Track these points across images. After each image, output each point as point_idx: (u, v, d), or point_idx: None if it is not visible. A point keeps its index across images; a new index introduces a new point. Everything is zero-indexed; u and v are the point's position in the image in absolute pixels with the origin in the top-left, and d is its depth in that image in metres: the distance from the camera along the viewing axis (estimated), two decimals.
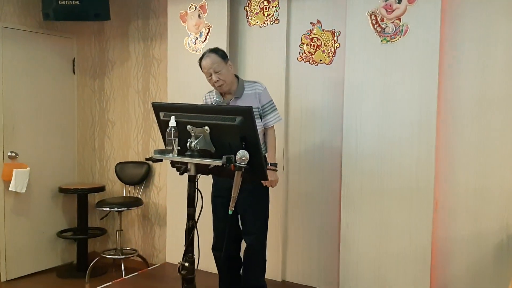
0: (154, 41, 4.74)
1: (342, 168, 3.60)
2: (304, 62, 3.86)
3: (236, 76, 3.31)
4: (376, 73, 3.44)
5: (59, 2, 4.14)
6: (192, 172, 2.41)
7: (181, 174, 2.43)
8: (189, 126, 2.44)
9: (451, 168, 3.30)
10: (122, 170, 4.84)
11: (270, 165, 3.29)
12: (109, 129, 5.09)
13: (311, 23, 3.82)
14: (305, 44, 3.85)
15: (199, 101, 3.36)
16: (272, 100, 3.34)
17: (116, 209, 4.49)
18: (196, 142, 2.37)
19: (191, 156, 2.37)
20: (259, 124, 3.26)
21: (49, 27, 4.70)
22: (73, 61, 4.98)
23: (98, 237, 4.99)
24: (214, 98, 3.14)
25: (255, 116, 3.22)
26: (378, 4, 3.41)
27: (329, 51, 3.77)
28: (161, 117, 2.57)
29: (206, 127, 2.38)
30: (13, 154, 4.41)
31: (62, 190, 4.70)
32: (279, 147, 3.81)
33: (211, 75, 3.12)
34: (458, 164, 3.28)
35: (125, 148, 4.99)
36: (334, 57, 3.75)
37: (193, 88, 4.12)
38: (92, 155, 5.20)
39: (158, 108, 2.59)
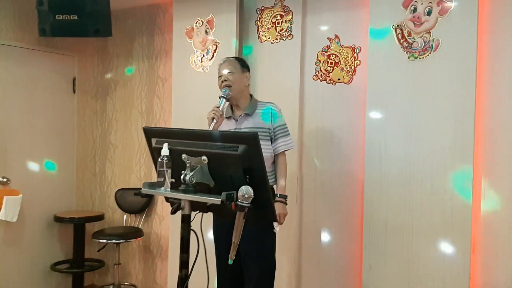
0: (159, 59, 4.42)
1: (364, 200, 3.17)
2: (321, 81, 3.48)
3: (251, 95, 3.06)
4: (402, 93, 3.04)
5: (56, 17, 3.84)
6: (186, 211, 2.02)
7: (172, 213, 2.03)
8: (184, 155, 2.06)
9: (492, 203, 2.85)
10: (123, 197, 4.48)
11: (279, 196, 2.91)
12: (110, 152, 4.75)
13: (328, 38, 3.45)
14: (322, 62, 3.48)
15: (206, 125, 2.98)
16: (286, 124, 3.05)
17: (114, 241, 4.10)
18: (192, 175, 1.99)
19: (185, 191, 1.98)
20: (268, 148, 2.90)
21: (49, 44, 4.42)
22: (74, 80, 4.67)
23: (96, 270, 4.60)
24: (221, 106, 2.86)
25: (265, 138, 2.91)
26: (405, 17, 3.03)
27: (348, 69, 3.39)
28: (153, 144, 2.20)
29: (204, 157, 2.00)
30: (5, 180, 4.08)
31: (58, 219, 4.34)
32: (292, 175, 3.42)
33: (221, 75, 2.92)
34: (500, 199, 2.83)
35: (126, 173, 4.63)
36: (354, 76, 3.37)
37: (199, 109, 3.74)
38: (93, 180, 4.85)
39: (150, 133, 2.22)
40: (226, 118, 3.00)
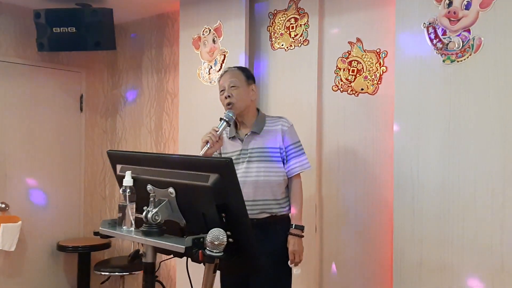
0: (168, 73, 4.06)
1: (394, 233, 2.64)
2: (341, 92, 3.00)
3: (258, 110, 2.65)
4: (437, 104, 2.52)
5: (54, 30, 3.56)
6: (149, 258, 1.59)
7: (130, 261, 1.60)
8: (149, 187, 1.64)
9: None
10: None
11: (294, 227, 2.46)
12: None
13: (349, 42, 2.97)
14: (342, 70, 3.00)
15: None
16: (299, 142, 2.60)
17: (117, 273, 3.73)
18: (155, 212, 1.56)
19: (147, 233, 1.56)
20: (281, 170, 2.45)
21: (53, 60, 4.15)
22: (81, 97, 4.38)
23: None
24: (226, 134, 2.56)
25: (277, 160, 2.47)
26: (438, 12, 2.52)
27: (373, 77, 2.89)
28: (117, 172, 1.80)
29: (171, 189, 1.57)
30: (3, 206, 3.80)
31: (61, 248, 4.01)
32: (310, 201, 2.95)
33: (224, 90, 2.49)
34: None
35: None
36: (379, 85, 2.87)
37: (207, 126, 3.32)
38: (102, 204, 4.52)
39: (115, 158, 1.82)
40: (230, 138, 2.59)
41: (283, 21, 3.24)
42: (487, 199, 2.35)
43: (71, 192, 4.32)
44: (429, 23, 2.56)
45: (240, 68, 2.66)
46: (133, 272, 3.79)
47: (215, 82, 3.43)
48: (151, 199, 1.58)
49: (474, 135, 2.40)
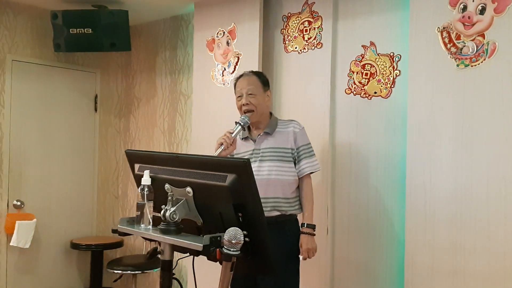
0: (181, 74, 4.10)
1: (406, 237, 2.65)
2: (354, 95, 3.02)
3: (270, 113, 2.69)
4: (451, 108, 2.53)
5: (71, 31, 3.62)
6: (166, 256, 1.62)
7: (148, 258, 1.64)
8: (167, 186, 1.68)
9: None
10: None
11: (306, 226, 2.51)
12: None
13: (362, 46, 2.99)
14: (356, 73, 3.02)
15: None
16: (310, 144, 2.66)
17: (129, 271, 3.77)
18: (173, 211, 1.59)
19: (164, 231, 1.59)
20: (292, 171, 2.50)
21: (69, 60, 4.21)
22: (96, 97, 4.44)
23: None
24: (239, 136, 2.59)
25: (288, 160, 2.52)
26: (452, 17, 2.53)
27: (386, 80, 2.91)
28: (136, 170, 1.83)
29: (188, 188, 1.61)
30: (18, 203, 3.86)
31: (74, 246, 4.07)
32: (322, 203, 2.99)
33: (241, 96, 2.54)
34: None
35: None
36: (393, 88, 2.88)
37: (220, 128, 3.35)
38: (115, 204, 4.57)
39: (133, 157, 1.86)
40: (243, 139, 2.64)
41: (296, 24, 3.27)
42: (500, 204, 2.36)
43: (85, 191, 4.38)
44: (443, 28, 2.57)
45: (256, 73, 2.69)
46: (146, 271, 3.83)
47: (228, 84, 3.46)
48: (169, 198, 1.61)
49: (487, 140, 2.41)
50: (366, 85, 2.98)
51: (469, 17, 2.48)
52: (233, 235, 1.42)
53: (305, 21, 3.22)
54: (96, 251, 4.09)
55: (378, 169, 2.91)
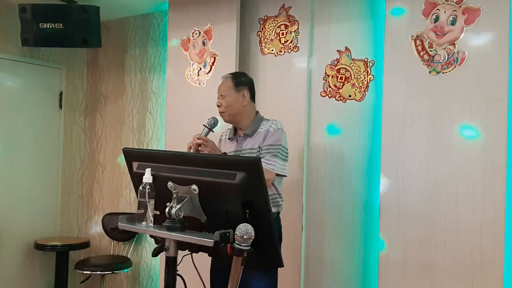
0: (152, 73, 4.08)
1: (380, 234, 2.79)
2: (329, 97, 3.13)
3: (257, 112, 2.69)
4: (423, 112, 2.69)
5: (40, 26, 3.52)
6: (172, 252, 1.64)
7: (154, 255, 1.66)
8: (170, 184, 1.70)
9: None
10: (111, 223, 4.08)
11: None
12: (99, 173, 4.38)
13: (338, 51, 3.11)
14: (331, 76, 3.13)
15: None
16: (281, 146, 2.48)
17: (99, 272, 3.70)
18: (179, 208, 1.62)
19: (170, 228, 1.62)
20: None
21: (33, 55, 4.08)
22: (60, 94, 4.33)
23: None
24: (227, 136, 2.66)
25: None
26: (426, 26, 2.70)
27: (360, 84, 3.04)
28: (134, 169, 1.84)
29: (194, 186, 1.64)
30: None
31: (39, 246, 3.94)
32: (297, 202, 3.07)
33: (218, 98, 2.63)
34: None
35: (115, 196, 4.26)
36: (366, 92, 3.02)
37: (195, 127, 3.37)
38: (79, 204, 4.47)
39: (131, 156, 1.86)
40: (229, 139, 2.66)
41: (273, 27, 3.35)
42: (468, 203, 2.54)
43: (49, 190, 4.25)
44: (417, 36, 2.73)
45: (232, 74, 2.68)
46: (115, 272, 3.78)
47: (204, 83, 3.49)
48: (174, 195, 1.64)
49: (456, 142, 2.59)
50: (341, 88, 3.10)
51: (441, 27, 2.66)
52: (245, 231, 1.47)
53: (281, 24, 3.31)
54: (61, 252, 3.98)
55: (352, 170, 3.04)
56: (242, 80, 2.65)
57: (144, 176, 1.72)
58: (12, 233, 3.93)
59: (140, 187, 1.72)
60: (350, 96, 3.07)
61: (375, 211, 2.91)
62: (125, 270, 3.83)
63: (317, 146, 3.16)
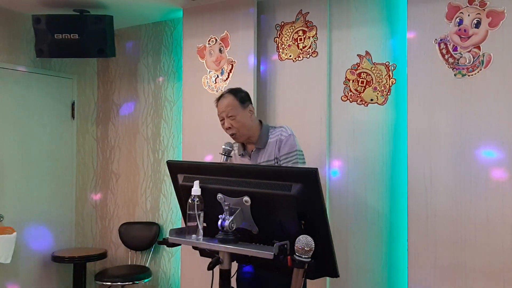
0: (166, 81, 4.07)
1: (409, 236, 2.79)
2: (351, 102, 3.14)
3: (260, 122, 2.63)
4: (449, 115, 2.70)
5: (55, 37, 3.50)
6: (226, 265, 1.64)
7: (210, 268, 1.64)
8: (220, 195, 1.69)
9: None
10: (127, 232, 4.07)
11: None
12: (112, 182, 4.35)
13: (358, 55, 3.12)
14: (351, 81, 3.14)
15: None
16: (297, 151, 2.49)
17: (119, 283, 3.68)
18: (232, 220, 1.61)
19: (224, 240, 1.61)
20: None
21: (45, 66, 4.05)
22: (73, 104, 4.30)
23: None
24: (235, 152, 2.60)
25: None
26: (449, 30, 2.71)
27: (382, 88, 3.05)
28: (180, 181, 1.83)
29: (246, 198, 1.63)
30: None
31: (56, 259, 3.90)
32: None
33: (223, 119, 2.52)
34: None
35: (131, 205, 4.23)
36: (388, 96, 3.03)
37: (213, 134, 3.39)
38: (93, 214, 4.44)
39: (175, 168, 1.85)
40: (239, 155, 2.61)
41: (290, 33, 3.35)
42: (496, 204, 2.55)
43: (63, 201, 4.22)
44: (441, 39, 2.74)
45: (232, 91, 2.59)
46: (135, 282, 3.75)
47: (221, 90, 3.48)
48: (226, 207, 1.63)
49: (483, 144, 2.60)
50: (363, 92, 3.11)
51: (465, 30, 2.67)
52: (305, 243, 1.46)
53: (299, 30, 3.31)
54: (79, 264, 3.95)
55: (376, 175, 3.04)
56: (244, 95, 2.59)
57: (192, 189, 1.71)
58: (29, 247, 3.90)
59: (189, 199, 1.71)
60: (372, 100, 3.08)
61: (401, 214, 2.92)
62: (146, 280, 3.81)
63: (338, 153, 3.16)
